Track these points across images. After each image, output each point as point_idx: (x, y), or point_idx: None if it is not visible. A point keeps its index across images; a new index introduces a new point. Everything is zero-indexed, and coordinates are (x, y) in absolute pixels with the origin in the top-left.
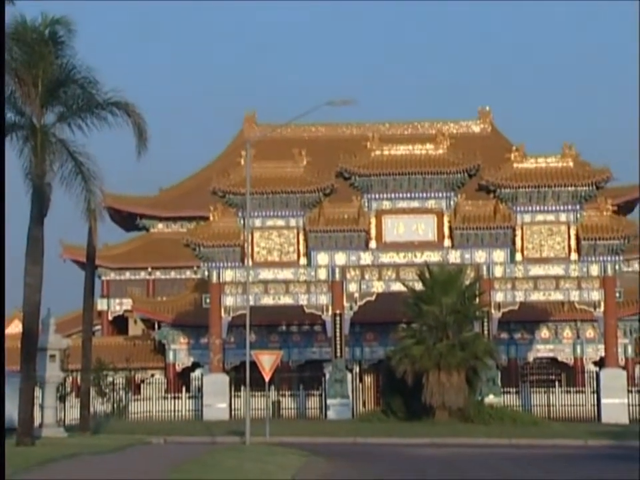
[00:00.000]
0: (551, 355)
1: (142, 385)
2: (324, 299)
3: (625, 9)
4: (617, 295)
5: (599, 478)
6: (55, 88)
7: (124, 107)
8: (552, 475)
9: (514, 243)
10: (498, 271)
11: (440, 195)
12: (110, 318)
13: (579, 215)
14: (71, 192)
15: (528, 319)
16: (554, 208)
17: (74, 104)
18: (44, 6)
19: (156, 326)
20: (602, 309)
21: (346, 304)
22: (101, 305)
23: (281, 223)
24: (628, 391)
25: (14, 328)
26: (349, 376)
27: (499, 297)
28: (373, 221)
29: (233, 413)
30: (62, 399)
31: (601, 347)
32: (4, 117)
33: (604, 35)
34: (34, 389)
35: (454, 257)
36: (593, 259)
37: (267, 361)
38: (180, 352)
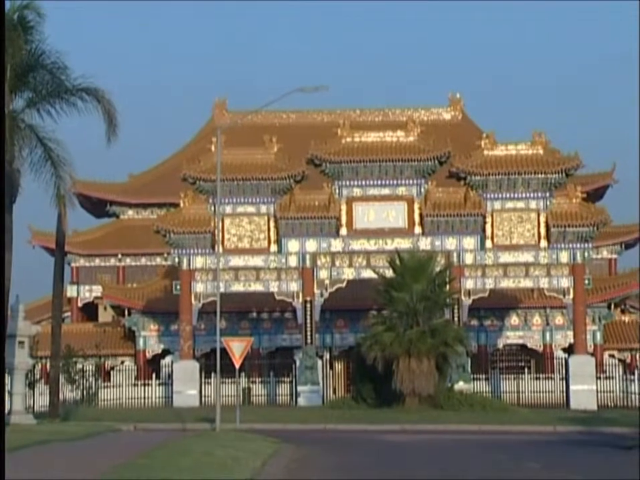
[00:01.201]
0: (520, 341)
1: (112, 372)
2: (294, 286)
3: (594, 3)
4: (586, 282)
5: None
6: (23, 73)
7: (93, 93)
8: (522, 461)
9: (484, 230)
10: (468, 258)
11: (410, 182)
12: (80, 305)
13: (548, 202)
14: (41, 178)
15: (498, 305)
16: (524, 195)
17: (43, 89)
18: None
19: (126, 313)
20: (571, 295)
21: (316, 291)
22: (71, 291)
23: (251, 209)
24: (596, 378)
25: None
26: (320, 363)
27: (469, 284)
28: (344, 207)
29: (203, 399)
30: (31, 385)
31: (570, 333)
32: (4, 116)
33: (573, 25)
34: (3, 375)
35: (424, 244)
36: (563, 246)
37: (238, 347)
38: (150, 339)
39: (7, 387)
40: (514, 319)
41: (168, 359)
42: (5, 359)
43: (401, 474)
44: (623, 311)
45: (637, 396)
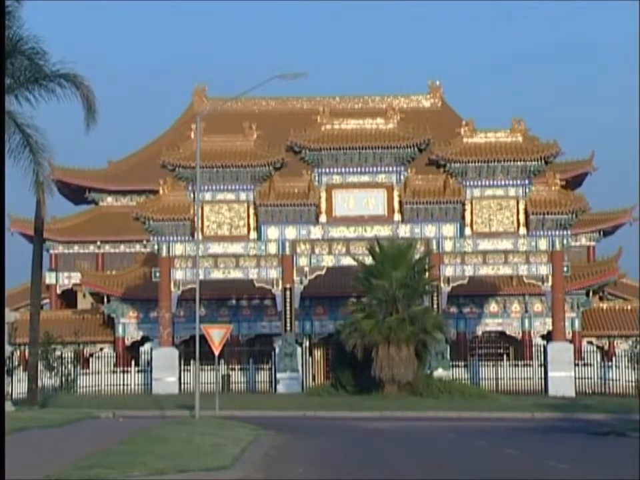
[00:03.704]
0: (499, 328)
1: (91, 359)
2: (274, 273)
3: None
4: (565, 269)
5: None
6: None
7: (72, 79)
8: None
9: (463, 217)
10: (447, 246)
11: (390, 169)
12: (58, 291)
13: (527, 190)
14: (19, 164)
15: (477, 293)
16: (503, 182)
17: (21, 75)
18: None
19: (105, 300)
20: (550, 283)
21: (296, 278)
22: (50, 278)
23: (231, 196)
24: (574, 365)
25: None
26: (299, 350)
27: (448, 271)
28: (323, 195)
29: (182, 386)
30: (9, 372)
31: (549, 320)
32: (4, 115)
33: (553, 11)
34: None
35: (404, 231)
36: (541, 233)
37: (217, 334)
38: (129, 326)
39: None
40: (493, 306)
41: (147, 346)
42: (4, 356)
43: (379, 461)
44: (601, 298)
45: (615, 382)
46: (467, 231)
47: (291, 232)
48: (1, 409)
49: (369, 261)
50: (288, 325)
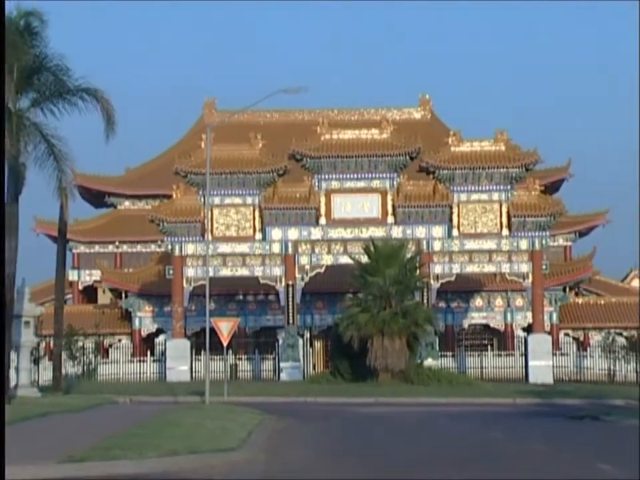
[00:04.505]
0: (484, 321)
1: (110, 349)
2: (277, 271)
3: (552, 4)
4: (544, 267)
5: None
6: (29, 75)
7: (93, 93)
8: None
9: (451, 219)
10: (436, 245)
11: (384, 175)
12: (80, 288)
13: (509, 194)
14: (44, 171)
15: (463, 289)
16: (487, 188)
17: (47, 90)
18: None
19: (123, 295)
20: (530, 280)
21: (298, 275)
22: (72, 275)
23: (238, 200)
24: (553, 354)
25: None
26: (300, 341)
27: (437, 269)
28: (323, 199)
29: (193, 375)
30: (36, 361)
31: (529, 314)
32: (4, 116)
33: (535, 25)
34: (10, 352)
35: (396, 232)
36: (522, 234)
37: (225, 327)
38: (145, 319)
39: (14, 363)
40: (478, 301)
41: (161, 338)
42: (4, 354)
43: (375, 444)
44: (577, 294)
45: (589, 371)
46: (455, 232)
47: (293, 233)
48: (2, 407)
49: (364, 259)
50: (290, 318)
